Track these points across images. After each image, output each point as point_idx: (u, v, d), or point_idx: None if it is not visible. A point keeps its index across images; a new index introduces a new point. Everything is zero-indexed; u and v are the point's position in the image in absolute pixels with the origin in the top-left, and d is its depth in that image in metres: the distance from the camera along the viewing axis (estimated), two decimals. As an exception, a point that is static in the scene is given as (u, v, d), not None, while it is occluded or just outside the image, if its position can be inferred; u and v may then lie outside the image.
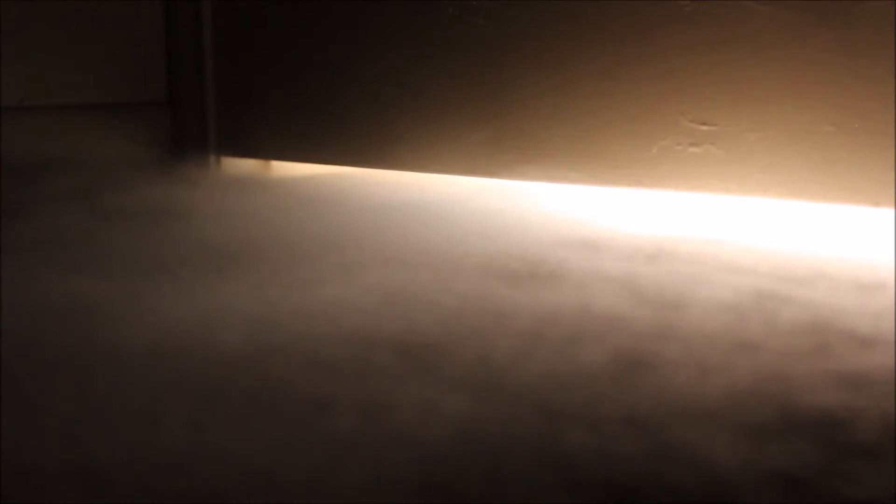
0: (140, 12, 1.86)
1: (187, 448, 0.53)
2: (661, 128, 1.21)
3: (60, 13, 1.82)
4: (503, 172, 1.39)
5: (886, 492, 0.49)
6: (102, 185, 1.68)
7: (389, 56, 1.53)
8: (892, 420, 0.57)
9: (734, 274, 0.91)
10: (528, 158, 1.35)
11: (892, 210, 1.04)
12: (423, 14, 1.47)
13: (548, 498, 0.48)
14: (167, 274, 0.92)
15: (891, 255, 0.97)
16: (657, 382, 0.63)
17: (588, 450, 0.53)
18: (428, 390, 0.61)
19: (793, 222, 1.15)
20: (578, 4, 1.28)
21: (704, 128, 1.17)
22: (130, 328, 0.75)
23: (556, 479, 0.50)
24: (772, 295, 0.83)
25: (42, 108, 1.82)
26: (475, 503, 0.48)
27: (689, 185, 1.19)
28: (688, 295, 0.83)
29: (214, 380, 0.64)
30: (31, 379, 0.65)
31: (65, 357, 0.69)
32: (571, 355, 0.68)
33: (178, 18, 1.85)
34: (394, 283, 0.87)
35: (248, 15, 1.78)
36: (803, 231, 1.11)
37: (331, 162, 1.70)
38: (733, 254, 1.00)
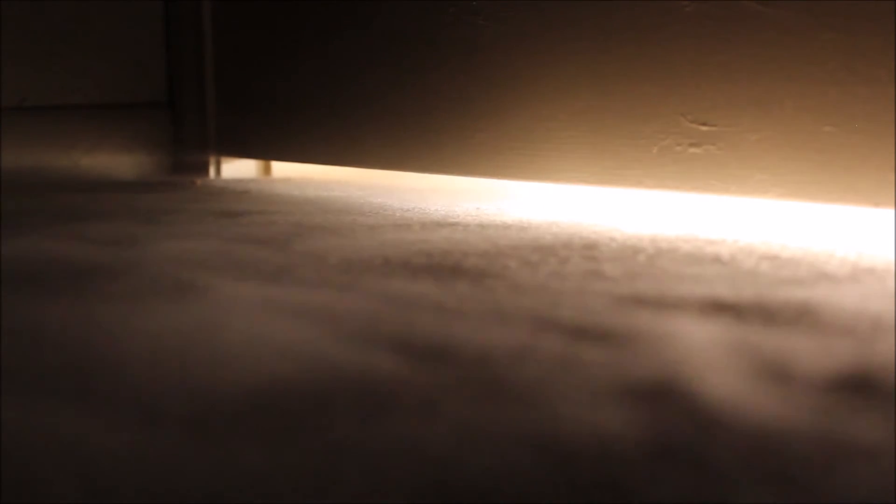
0: (140, 12, 1.86)
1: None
2: (661, 128, 1.21)
3: (60, 13, 1.82)
4: (503, 173, 1.39)
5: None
6: (98, 188, 1.68)
7: (390, 56, 1.53)
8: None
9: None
10: (528, 159, 1.35)
11: (892, 210, 1.04)
12: (422, 14, 1.47)
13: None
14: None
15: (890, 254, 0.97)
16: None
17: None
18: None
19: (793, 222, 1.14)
20: (578, 5, 1.28)
21: (704, 128, 1.17)
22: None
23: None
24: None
25: (42, 108, 1.82)
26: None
27: (689, 185, 1.19)
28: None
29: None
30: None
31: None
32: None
33: (178, 18, 1.85)
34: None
35: (248, 15, 1.79)
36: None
37: (332, 163, 1.70)
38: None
